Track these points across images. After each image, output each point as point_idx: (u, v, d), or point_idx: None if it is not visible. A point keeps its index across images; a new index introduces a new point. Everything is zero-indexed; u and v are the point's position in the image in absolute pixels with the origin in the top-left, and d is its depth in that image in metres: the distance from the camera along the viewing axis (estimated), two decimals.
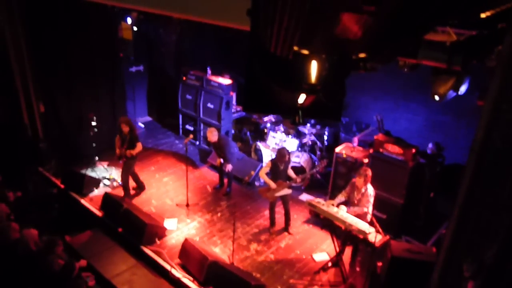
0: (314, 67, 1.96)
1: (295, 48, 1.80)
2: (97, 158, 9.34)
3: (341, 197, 6.53)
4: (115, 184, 8.71)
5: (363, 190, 6.28)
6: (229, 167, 8.20)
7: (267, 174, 7.23)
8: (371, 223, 5.94)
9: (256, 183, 9.03)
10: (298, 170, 8.18)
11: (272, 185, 7.13)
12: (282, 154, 7.02)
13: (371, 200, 6.26)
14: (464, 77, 4.54)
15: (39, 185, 8.46)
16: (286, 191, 7.24)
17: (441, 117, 8.39)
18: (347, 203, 6.44)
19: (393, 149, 7.14)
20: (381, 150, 7.27)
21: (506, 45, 3.39)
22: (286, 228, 7.60)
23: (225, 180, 8.69)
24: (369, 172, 6.28)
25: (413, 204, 7.49)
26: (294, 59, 1.91)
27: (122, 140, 7.89)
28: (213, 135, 8.08)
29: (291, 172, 7.25)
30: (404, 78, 7.85)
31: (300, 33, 1.59)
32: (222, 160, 8.33)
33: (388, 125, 8.60)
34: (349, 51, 1.89)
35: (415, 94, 8.53)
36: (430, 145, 7.53)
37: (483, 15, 3.42)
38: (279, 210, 7.62)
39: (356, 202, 6.35)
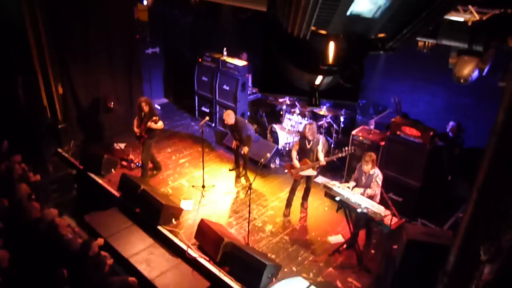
0: (331, 48, 1.93)
1: (313, 28, 1.77)
2: (115, 139, 9.45)
3: (352, 182, 6.53)
4: (132, 165, 8.82)
5: (371, 172, 6.28)
6: (245, 149, 8.22)
7: (298, 152, 7.26)
8: (386, 206, 5.92)
9: (272, 165, 9.04)
10: (329, 160, 8.07)
11: (296, 163, 7.15)
12: (302, 131, 7.13)
13: (380, 182, 6.25)
14: (489, 56, 4.41)
15: (58, 166, 8.63)
16: (311, 172, 7.20)
17: (460, 99, 8.22)
18: (356, 186, 6.45)
19: (410, 132, 7.05)
20: (398, 132, 7.19)
21: None
22: (302, 203, 7.71)
23: (241, 162, 8.72)
24: (374, 156, 6.25)
25: (431, 187, 7.42)
26: (311, 39, 1.88)
27: (140, 120, 7.95)
28: (230, 118, 8.09)
29: (320, 154, 7.18)
30: (423, 59, 7.67)
31: (318, 13, 1.56)
32: (238, 143, 8.35)
33: (406, 108, 8.47)
34: (368, 31, 1.85)
35: (434, 75, 8.35)
36: (451, 123, 7.40)
37: None
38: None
39: (363, 185, 6.34)
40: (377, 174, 6.29)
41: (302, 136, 7.14)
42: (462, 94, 8.09)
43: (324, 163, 7.17)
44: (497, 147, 3.61)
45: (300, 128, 8.48)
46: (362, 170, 6.37)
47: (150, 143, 8.13)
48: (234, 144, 8.51)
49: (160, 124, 7.90)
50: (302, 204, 7.74)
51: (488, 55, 4.32)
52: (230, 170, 8.91)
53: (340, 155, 7.32)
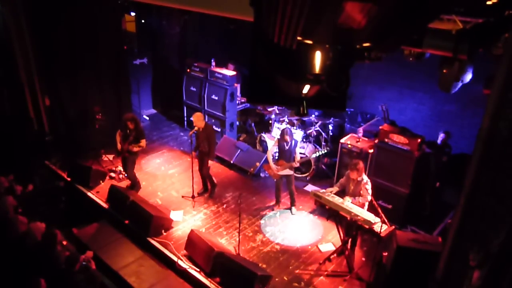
0: (318, 57, 1.95)
1: (299, 38, 1.79)
2: (102, 151, 9.37)
3: (335, 188, 6.56)
4: (121, 176, 8.74)
5: (359, 179, 6.30)
6: (210, 163, 7.87)
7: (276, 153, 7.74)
8: (375, 213, 5.94)
9: (262, 175, 9.03)
10: (303, 161, 8.23)
11: (272, 164, 7.50)
12: (282, 133, 7.37)
13: (369, 189, 6.28)
14: (466, 65, 4.48)
15: (45, 179, 8.51)
16: (287, 172, 7.46)
17: (447, 107, 8.34)
18: (343, 193, 6.47)
19: (398, 139, 7.11)
20: (386, 140, 7.24)
21: None
22: (290, 209, 7.88)
23: (208, 182, 8.32)
24: (361, 164, 6.29)
25: (419, 194, 7.48)
26: (298, 49, 1.90)
27: (125, 136, 7.87)
28: (201, 120, 7.57)
29: (297, 155, 7.43)
30: (409, 67, 7.79)
31: (304, 22, 1.58)
32: (200, 160, 8.04)
33: (393, 115, 8.56)
34: (353, 41, 1.87)
35: (420, 83, 8.46)
36: (441, 134, 7.49)
37: (489, 2, 3.38)
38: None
39: (351, 192, 6.38)
40: (366, 181, 6.32)
41: (282, 139, 7.36)
42: (448, 101, 8.21)
43: (298, 164, 7.50)
44: (483, 153, 3.66)
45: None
46: (349, 177, 6.41)
47: (134, 158, 8.05)
48: (207, 163, 7.88)
49: (142, 144, 7.84)
50: (290, 211, 7.83)
51: (465, 62, 4.40)
52: (198, 194, 8.18)
53: (313, 156, 8.09)
